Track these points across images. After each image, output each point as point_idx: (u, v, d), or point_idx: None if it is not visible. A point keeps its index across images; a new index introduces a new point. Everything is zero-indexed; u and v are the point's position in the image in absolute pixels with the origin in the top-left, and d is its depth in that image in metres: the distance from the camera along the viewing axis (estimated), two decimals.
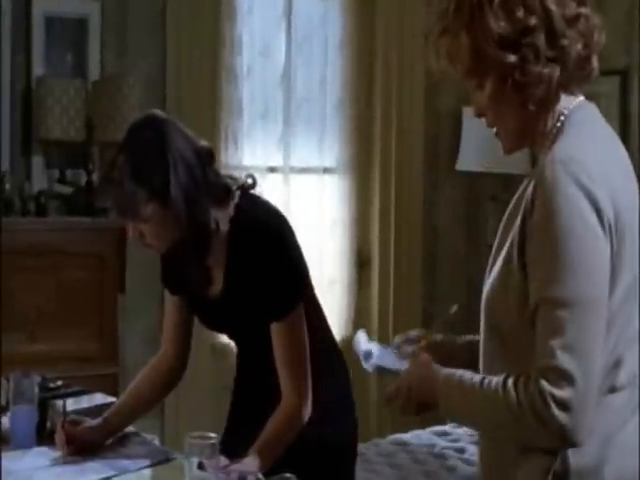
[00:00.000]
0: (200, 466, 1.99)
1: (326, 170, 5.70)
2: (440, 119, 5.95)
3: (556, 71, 1.78)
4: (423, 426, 4.81)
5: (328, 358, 2.64)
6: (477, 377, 1.80)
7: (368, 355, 2.04)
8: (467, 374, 1.82)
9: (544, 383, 1.67)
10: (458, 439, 4.35)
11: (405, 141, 5.75)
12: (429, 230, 5.86)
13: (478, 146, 5.33)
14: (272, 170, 5.52)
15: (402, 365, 2.01)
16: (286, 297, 2.45)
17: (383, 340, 5.76)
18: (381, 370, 2.05)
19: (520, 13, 1.77)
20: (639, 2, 5.14)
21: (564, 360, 1.67)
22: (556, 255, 1.69)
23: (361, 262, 5.69)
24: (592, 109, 1.89)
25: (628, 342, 1.80)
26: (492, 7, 1.78)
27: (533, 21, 1.77)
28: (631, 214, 1.79)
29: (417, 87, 5.76)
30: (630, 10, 5.18)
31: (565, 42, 1.78)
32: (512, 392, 1.72)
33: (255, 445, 2.35)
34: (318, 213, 5.68)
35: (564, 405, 1.67)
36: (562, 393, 1.67)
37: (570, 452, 1.76)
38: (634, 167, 1.89)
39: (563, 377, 1.66)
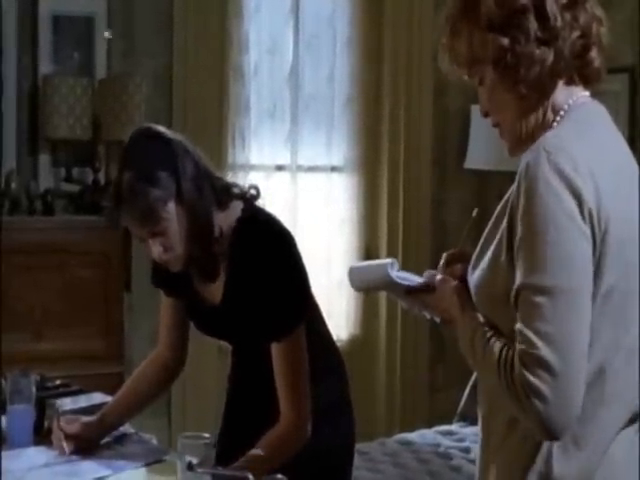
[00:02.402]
0: (189, 467, 1.98)
1: (334, 168, 5.69)
2: (448, 117, 5.94)
3: (549, 54, 1.78)
4: (430, 425, 4.81)
5: (326, 359, 2.62)
6: (486, 336, 1.77)
7: (393, 265, 2.00)
8: (480, 329, 1.79)
9: (524, 371, 1.66)
10: (464, 439, 4.33)
11: (413, 139, 5.73)
12: (437, 228, 5.84)
13: (486, 144, 5.31)
14: (280, 169, 5.52)
15: (422, 281, 2.00)
16: (287, 319, 2.42)
17: (391, 340, 5.75)
18: (401, 280, 2.00)
19: None
20: None
21: (541, 348, 1.64)
22: (536, 243, 1.68)
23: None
24: (597, 109, 1.87)
25: (611, 349, 1.77)
26: None
27: (523, 1, 1.78)
28: (624, 220, 1.75)
29: (425, 85, 5.74)
30: (638, 7, 5.14)
31: (557, 24, 1.78)
32: (502, 371, 1.70)
33: (246, 456, 2.32)
34: (326, 212, 5.67)
35: (541, 395, 1.64)
36: (539, 383, 1.64)
37: (555, 458, 1.75)
38: None
39: (540, 365, 1.64)
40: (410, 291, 2.02)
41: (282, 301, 2.40)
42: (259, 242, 2.40)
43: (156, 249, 2.38)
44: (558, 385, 1.64)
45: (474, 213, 2.06)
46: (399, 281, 2.00)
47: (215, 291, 2.50)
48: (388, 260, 2.02)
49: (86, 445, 2.54)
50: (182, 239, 2.37)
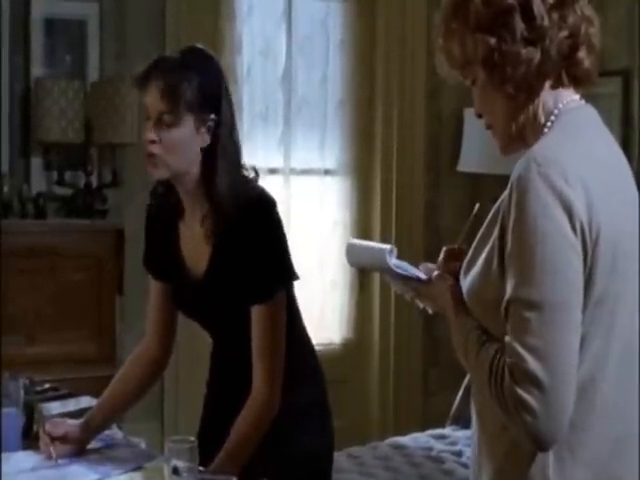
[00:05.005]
0: (175, 471, 1.98)
1: (327, 172, 5.70)
2: (441, 120, 5.93)
3: (536, 54, 1.78)
4: (423, 428, 4.80)
5: (307, 364, 2.62)
6: (479, 342, 1.78)
7: (392, 251, 1.99)
8: (473, 334, 1.80)
9: (513, 385, 1.66)
10: (456, 442, 4.32)
11: (406, 142, 5.73)
12: (430, 231, 5.84)
13: (479, 147, 5.30)
14: (273, 172, 5.51)
15: (420, 274, 1.98)
16: (271, 280, 2.43)
17: (384, 343, 5.74)
18: (398, 268, 1.99)
19: None
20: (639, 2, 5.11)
21: (530, 362, 1.65)
22: (525, 256, 1.68)
23: None
24: (588, 113, 1.87)
25: (602, 357, 1.76)
26: None
27: (510, 1, 1.79)
28: (616, 225, 1.75)
29: (418, 88, 5.74)
30: (631, 10, 5.14)
31: (544, 24, 1.78)
32: (493, 381, 1.71)
33: (226, 447, 2.34)
34: (319, 215, 5.68)
35: (529, 409, 1.65)
36: (528, 397, 1.65)
37: (551, 469, 1.74)
38: (636, 166, 1.86)
39: (529, 380, 1.64)
40: (406, 281, 2.01)
41: (267, 263, 2.41)
42: (249, 208, 2.41)
43: (152, 135, 2.37)
44: (547, 399, 1.65)
45: (475, 209, 2.05)
46: (396, 270, 1.98)
47: (201, 261, 2.49)
48: (387, 246, 2.00)
49: (73, 448, 2.52)
50: (177, 152, 2.37)
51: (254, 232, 2.40)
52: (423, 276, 1.98)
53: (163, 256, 2.58)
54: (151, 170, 2.41)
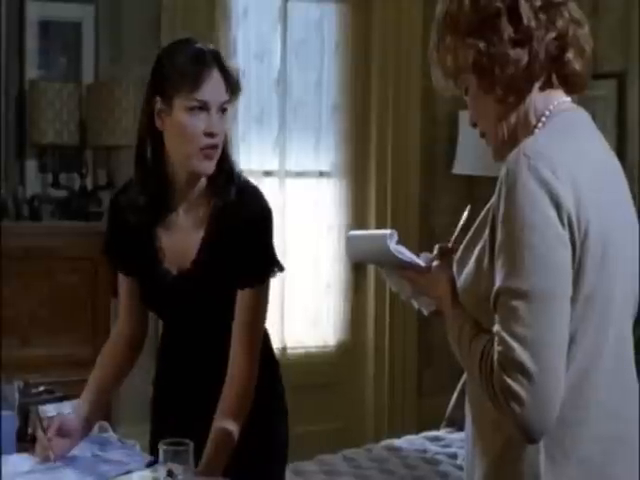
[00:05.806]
0: (169, 473, 1.98)
1: (322, 174, 5.71)
2: (436, 123, 5.94)
3: (523, 55, 1.81)
4: (418, 430, 4.80)
5: (273, 356, 2.68)
6: (472, 332, 1.79)
7: (392, 236, 1.98)
8: (467, 325, 1.81)
9: (501, 374, 1.67)
10: (451, 444, 4.33)
11: (401, 145, 5.74)
12: (425, 234, 5.84)
13: (475, 150, 5.31)
14: (268, 174, 5.53)
15: (419, 261, 1.98)
16: (266, 263, 2.48)
17: (379, 346, 5.74)
18: (398, 253, 1.98)
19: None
20: (638, 5, 5.12)
21: (517, 350, 1.66)
22: (514, 247, 1.69)
23: (357, 266, 5.68)
24: (579, 115, 1.88)
25: (595, 354, 1.77)
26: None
27: (497, 4, 1.82)
28: (604, 226, 1.76)
29: (413, 90, 5.75)
30: (626, 14, 5.16)
31: (531, 25, 1.81)
32: (483, 372, 1.72)
33: (213, 439, 2.37)
34: (314, 217, 5.69)
35: (517, 398, 1.66)
36: (516, 386, 1.66)
37: (542, 472, 1.74)
38: (631, 169, 1.87)
39: (517, 368, 1.65)
40: (405, 267, 2.00)
41: (261, 247, 2.47)
42: (242, 196, 2.45)
43: (218, 126, 2.39)
44: (535, 388, 1.65)
45: (467, 210, 2.06)
46: (396, 254, 1.97)
47: (188, 251, 2.50)
48: (387, 231, 1.99)
49: (71, 440, 2.52)
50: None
51: (251, 216, 2.44)
52: (422, 263, 1.98)
53: (134, 253, 2.57)
54: (208, 165, 2.42)
